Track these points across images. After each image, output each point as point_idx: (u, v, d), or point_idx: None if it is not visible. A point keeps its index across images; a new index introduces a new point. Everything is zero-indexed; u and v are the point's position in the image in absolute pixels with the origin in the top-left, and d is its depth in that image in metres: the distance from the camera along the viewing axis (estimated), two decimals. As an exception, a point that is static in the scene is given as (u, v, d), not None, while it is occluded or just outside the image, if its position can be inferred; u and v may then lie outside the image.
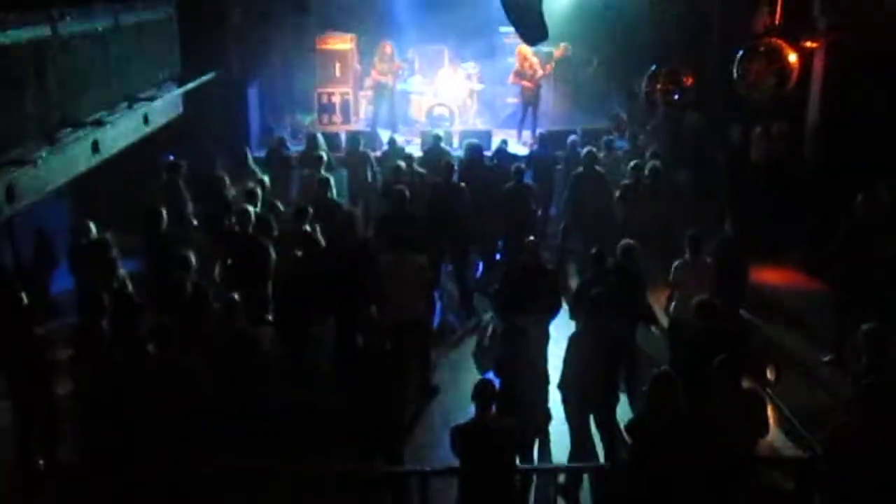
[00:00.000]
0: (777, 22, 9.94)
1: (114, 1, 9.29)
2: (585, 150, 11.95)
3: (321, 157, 12.14)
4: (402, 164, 11.73)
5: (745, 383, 6.67)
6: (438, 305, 10.63)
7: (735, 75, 9.72)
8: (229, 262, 9.36)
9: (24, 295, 7.22)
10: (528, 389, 6.97)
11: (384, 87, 15.57)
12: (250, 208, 9.77)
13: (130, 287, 8.69)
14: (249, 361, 7.19)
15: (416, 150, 13.55)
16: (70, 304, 9.24)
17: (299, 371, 8.86)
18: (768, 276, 11.29)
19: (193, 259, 8.40)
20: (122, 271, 8.87)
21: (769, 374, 8.74)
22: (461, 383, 8.85)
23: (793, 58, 9.42)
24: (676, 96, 12.01)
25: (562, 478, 7.35)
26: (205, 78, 12.06)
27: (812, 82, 11.54)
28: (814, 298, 10.56)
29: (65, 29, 7.82)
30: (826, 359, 9.24)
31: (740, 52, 9.67)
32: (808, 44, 10.61)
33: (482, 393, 6.20)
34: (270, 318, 9.30)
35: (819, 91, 11.50)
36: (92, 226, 9.15)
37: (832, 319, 9.38)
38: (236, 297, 7.56)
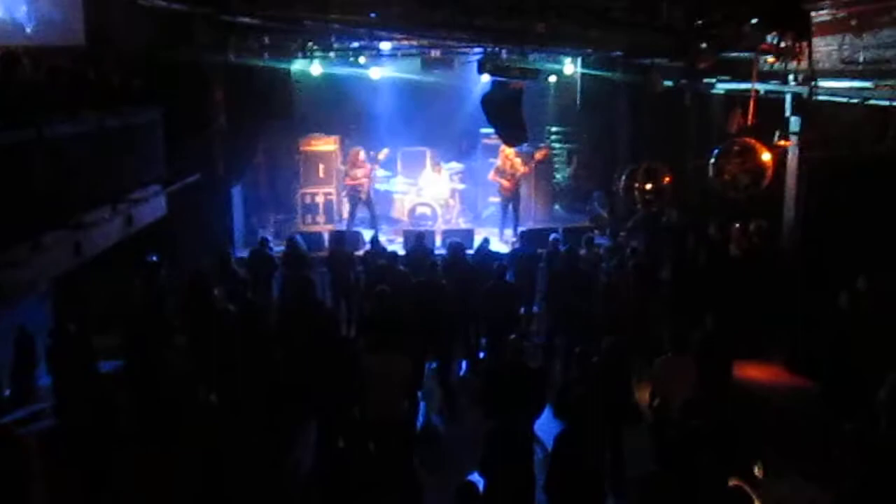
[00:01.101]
0: (750, 122, 10.18)
1: (100, 106, 9.42)
2: (565, 247, 12.09)
3: (303, 258, 12.20)
4: (385, 263, 11.78)
5: (732, 481, 6.59)
6: (421, 406, 10.52)
7: (711, 173, 9.90)
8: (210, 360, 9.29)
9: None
10: (513, 491, 6.86)
11: (358, 191, 15.78)
12: (231, 308, 9.76)
13: (109, 387, 8.59)
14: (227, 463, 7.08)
15: (398, 249, 13.63)
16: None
17: (280, 474, 8.70)
18: (751, 372, 11.27)
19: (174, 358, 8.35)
20: (101, 371, 8.78)
21: (756, 472, 8.65)
22: (444, 485, 8.69)
23: (766, 157, 9.59)
24: (654, 194, 12.19)
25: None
26: (189, 179, 12.18)
27: (787, 179, 11.77)
28: (798, 394, 10.54)
29: (51, 132, 7.91)
30: (813, 455, 9.15)
31: (715, 151, 9.87)
32: (782, 143, 10.87)
33: (465, 496, 6.10)
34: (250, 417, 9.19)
35: (794, 188, 11.73)
36: (72, 326, 9.09)
37: (818, 415, 9.34)
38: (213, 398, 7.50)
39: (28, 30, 12.76)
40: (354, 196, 15.86)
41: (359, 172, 15.68)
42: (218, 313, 9.84)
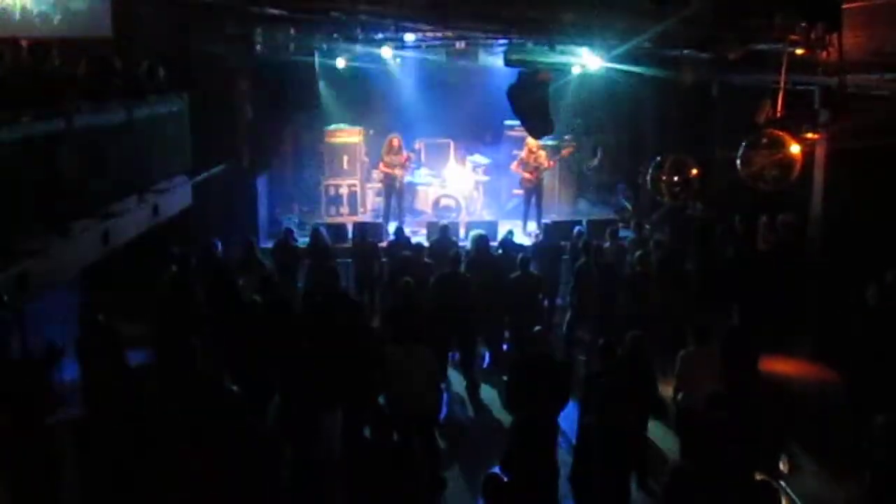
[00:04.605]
0: (778, 114, 10.07)
1: (128, 95, 9.48)
2: (585, 240, 12.07)
3: (327, 249, 12.23)
4: (409, 254, 11.79)
5: (759, 476, 6.55)
6: (445, 397, 10.53)
7: (739, 166, 9.81)
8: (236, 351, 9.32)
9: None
10: (538, 483, 6.85)
11: (392, 180, 15.67)
12: (257, 298, 9.80)
13: (139, 377, 8.63)
14: (253, 454, 7.10)
15: (422, 241, 13.63)
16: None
17: (305, 463, 8.71)
18: (778, 366, 11.18)
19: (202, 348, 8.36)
20: (129, 361, 8.84)
21: (783, 466, 8.60)
22: (469, 476, 8.72)
23: (795, 149, 9.50)
24: (681, 186, 12.10)
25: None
26: (215, 170, 12.24)
27: (815, 172, 11.65)
28: (826, 388, 10.45)
29: (79, 123, 7.97)
30: (841, 449, 9.08)
31: (743, 144, 9.78)
32: (810, 135, 10.76)
33: (490, 487, 6.10)
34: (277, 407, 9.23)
35: (822, 181, 11.61)
36: (100, 315, 9.16)
37: (846, 409, 9.26)
38: (235, 388, 7.52)
39: (55, 21, 12.88)
40: (390, 186, 15.78)
41: (393, 160, 15.62)
42: (243, 304, 9.88)
